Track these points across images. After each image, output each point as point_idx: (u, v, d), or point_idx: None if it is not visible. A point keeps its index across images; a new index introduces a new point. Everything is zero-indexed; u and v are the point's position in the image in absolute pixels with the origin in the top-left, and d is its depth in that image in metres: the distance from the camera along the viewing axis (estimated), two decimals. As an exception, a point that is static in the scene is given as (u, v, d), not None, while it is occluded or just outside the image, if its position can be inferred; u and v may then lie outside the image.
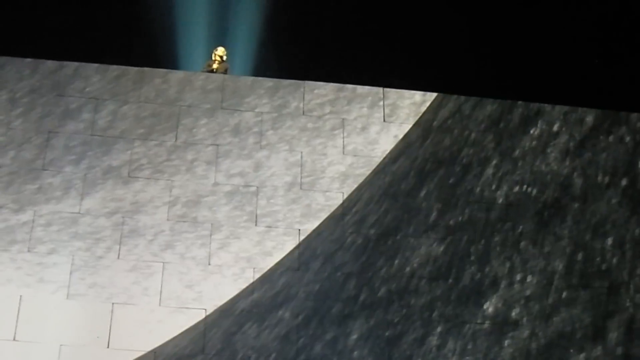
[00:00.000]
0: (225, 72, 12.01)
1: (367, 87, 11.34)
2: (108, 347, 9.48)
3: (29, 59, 11.09)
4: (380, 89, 11.32)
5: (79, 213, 10.09)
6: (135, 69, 11.19)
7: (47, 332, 9.50)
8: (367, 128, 11.03)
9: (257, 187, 10.52)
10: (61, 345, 9.38)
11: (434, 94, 11.26)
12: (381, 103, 11.16)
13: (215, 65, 12.08)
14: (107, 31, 14.19)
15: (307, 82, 11.33)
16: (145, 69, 11.22)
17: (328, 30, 14.86)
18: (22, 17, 14.09)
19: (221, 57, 12.19)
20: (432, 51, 14.49)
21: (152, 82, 11.13)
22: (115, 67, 11.18)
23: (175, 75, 11.28)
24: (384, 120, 11.03)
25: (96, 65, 11.14)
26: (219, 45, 12.47)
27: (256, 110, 11.03)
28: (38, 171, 10.35)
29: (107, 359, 9.45)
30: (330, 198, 10.50)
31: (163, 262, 9.92)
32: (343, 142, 10.88)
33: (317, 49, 14.55)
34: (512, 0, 14.69)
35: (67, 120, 10.71)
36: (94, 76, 11.04)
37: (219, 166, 10.63)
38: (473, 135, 10.93)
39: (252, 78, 11.51)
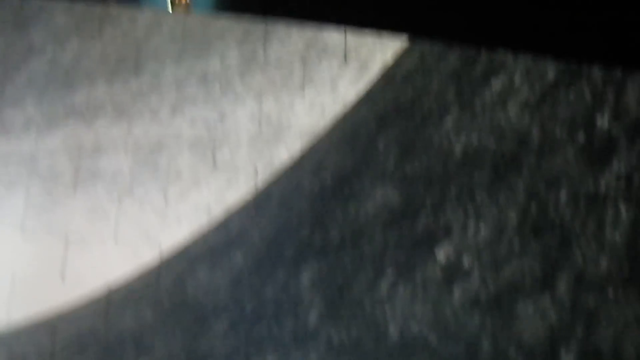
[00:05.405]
0: (186, 8, 11.72)
1: (337, 41, 11.09)
2: (62, 279, 9.44)
3: (-8, -6, 10.89)
4: (352, 46, 11.09)
5: (38, 151, 9.97)
6: (102, 7, 10.94)
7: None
8: (335, 85, 10.87)
9: (221, 137, 10.38)
10: (14, 274, 9.34)
11: (405, 49, 11.08)
12: (352, 60, 10.98)
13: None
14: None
15: (277, 31, 11.09)
16: (112, 7, 10.97)
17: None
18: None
19: None
20: None
21: (119, 22, 10.90)
22: (81, 4, 10.94)
23: (143, 16, 11.02)
24: (354, 78, 10.87)
25: (62, 2, 10.90)
26: None
27: (224, 58, 10.84)
28: (-2, 106, 10.21)
29: (60, 292, 9.41)
30: (293, 154, 10.36)
31: (120, 207, 9.82)
32: (310, 97, 10.72)
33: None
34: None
35: (30, 57, 10.53)
36: (59, 14, 10.82)
37: (183, 113, 10.48)
38: (434, 85, 10.80)
39: (221, 22, 11.22)
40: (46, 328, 9.30)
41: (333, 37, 11.16)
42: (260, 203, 9.99)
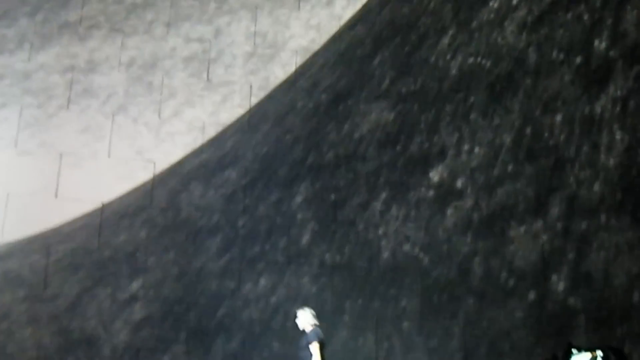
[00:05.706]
0: None
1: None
2: (56, 196, 9.38)
3: None
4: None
5: (31, 68, 9.81)
6: None
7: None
8: (332, 2, 10.64)
9: (215, 54, 10.20)
10: (8, 192, 9.28)
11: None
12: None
13: None
14: None
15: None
16: None
17: None
18: None
19: None
20: None
21: (113, -64, 10.67)
22: None
23: None
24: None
25: None
26: None
27: (218, -29, 10.63)
28: (-8, 22, 10.02)
29: (54, 209, 9.37)
30: (288, 73, 10.21)
31: (114, 124, 9.71)
32: (306, 14, 10.50)
33: None
34: None
35: (24, -28, 10.32)
36: None
37: (178, 29, 10.29)
38: (432, 4, 10.60)
39: (215, -64, 10.99)
40: (40, 246, 9.28)
41: (330, -48, 10.97)
42: (254, 121, 9.89)
